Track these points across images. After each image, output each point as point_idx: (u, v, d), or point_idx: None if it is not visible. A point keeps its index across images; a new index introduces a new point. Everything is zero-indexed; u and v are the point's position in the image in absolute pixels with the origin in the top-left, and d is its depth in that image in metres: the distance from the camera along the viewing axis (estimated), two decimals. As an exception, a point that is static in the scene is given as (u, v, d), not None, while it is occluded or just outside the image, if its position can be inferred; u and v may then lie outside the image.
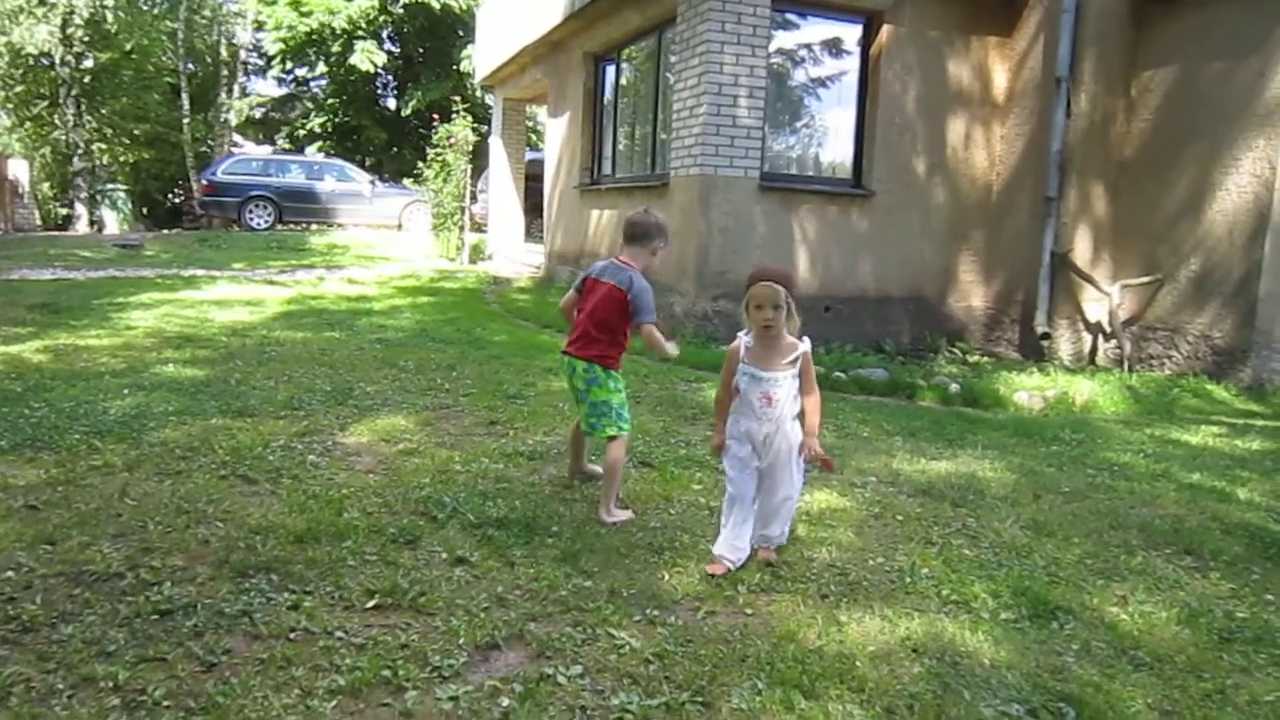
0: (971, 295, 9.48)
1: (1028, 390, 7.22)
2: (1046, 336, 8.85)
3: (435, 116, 17.54)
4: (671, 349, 3.91)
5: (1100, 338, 8.88)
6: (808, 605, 3.03)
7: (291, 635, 2.67)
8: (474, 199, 17.68)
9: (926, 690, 2.53)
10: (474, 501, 3.78)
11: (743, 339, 3.29)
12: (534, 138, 24.29)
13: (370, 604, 2.87)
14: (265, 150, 26.70)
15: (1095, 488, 4.65)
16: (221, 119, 29.69)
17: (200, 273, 12.78)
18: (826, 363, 7.61)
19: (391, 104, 31.68)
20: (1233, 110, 7.85)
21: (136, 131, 26.15)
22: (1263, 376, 7.80)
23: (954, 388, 7.17)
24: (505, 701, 2.37)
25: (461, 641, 2.66)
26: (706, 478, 4.35)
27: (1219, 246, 7.97)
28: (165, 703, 2.31)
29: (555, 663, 2.58)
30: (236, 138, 31.22)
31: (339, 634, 2.68)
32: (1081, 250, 8.81)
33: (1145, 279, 8.49)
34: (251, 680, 2.42)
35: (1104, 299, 8.71)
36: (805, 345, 3.25)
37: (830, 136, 9.40)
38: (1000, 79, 9.28)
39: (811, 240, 8.73)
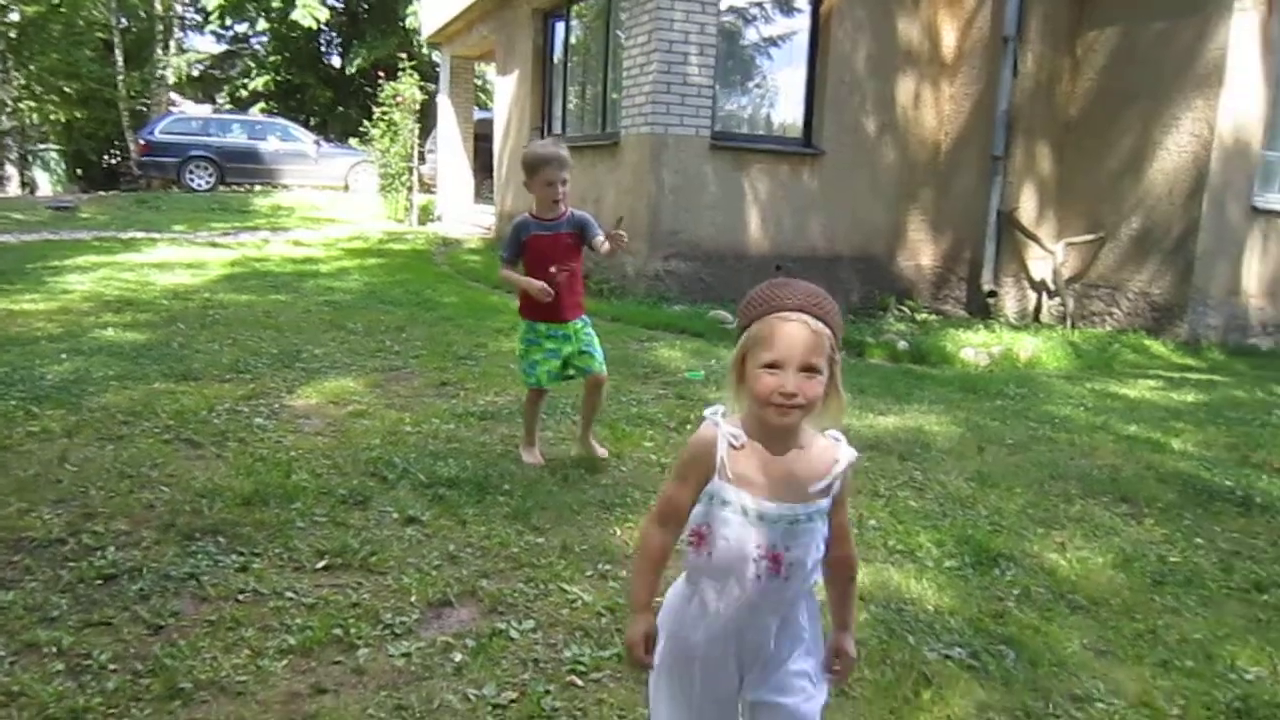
0: (920, 254, 9.59)
1: (974, 347, 7.36)
2: (993, 294, 9.00)
3: (381, 75, 17.13)
4: (523, 283, 3.70)
5: (1044, 295, 9.06)
6: (758, 557, 3.07)
7: (240, 597, 2.65)
8: (422, 159, 17.38)
9: (872, 636, 2.60)
10: (425, 462, 3.76)
11: (722, 428, 1.54)
12: (483, 96, 23.89)
13: (320, 564, 2.86)
14: (205, 109, 25.90)
15: (1037, 440, 4.77)
16: (157, 76, 28.69)
17: (139, 235, 12.42)
18: (777, 322, 7.66)
19: (336, 62, 30.87)
20: (1172, 71, 7.99)
21: (68, 89, 25.20)
22: (1198, 332, 8.04)
23: (902, 345, 7.28)
24: (458, 656, 2.39)
25: (413, 599, 2.67)
26: (658, 435, 4.38)
27: (1159, 205, 8.14)
28: (111, 666, 2.28)
29: (508, 618, 2.59)
30: (174, 96, 30.19)
31: (289, 594, 2.67)
32: (1027, 209, 8.95)
33: (1088, 237, 8.66)
34: (200, 642, 2.40)
35: (1048, 257, 8.87)
36: (849, 452, 1.56)
37: (781, 96, 9.38)
38: (949, 38, 9.32)
39: (762, 199, 8.74)
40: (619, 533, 3.21)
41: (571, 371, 3.84)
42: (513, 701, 2.21)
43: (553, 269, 3.70)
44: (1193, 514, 3.80)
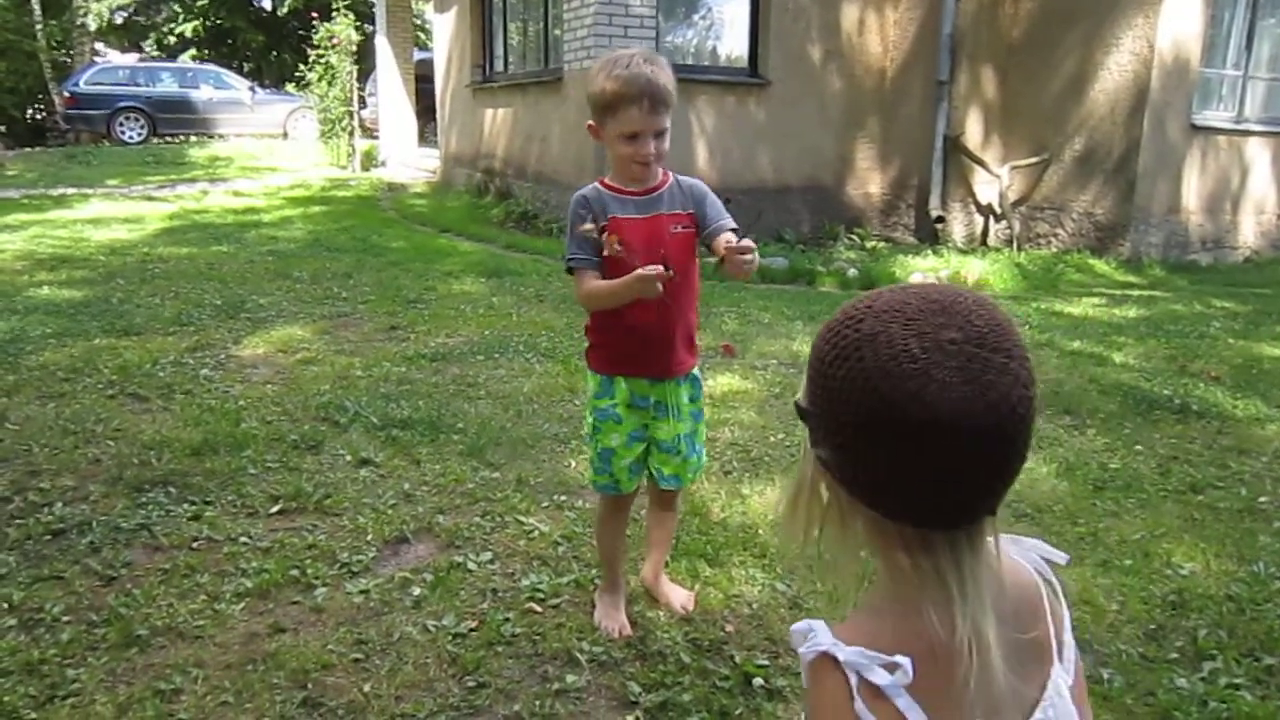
0: (869, 182, 9.60)
1: (922, 272, 7.43)
2: (941, 220, 9.07)
3: (314, 16, 16.57)
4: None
5: (991, 219, 9.15)
6: (711, 482, 3.11)
7: (194, 545, 2.64)
8: (363, 103, 16.92)
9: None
10: (377, 404, 3.74)
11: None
12: (422, 36, 23.25)
13: (274, 509, 2.85)
14: (132, 58, 24.88)
15: (984, 359, 4.85)
16: (78, 24, 27.43)
17: (71, 191, 11.99)
18: (729, 254, 7.67)
19: (267, 4, 29.78)
20: (1113, -12, 8.00)
21: (-19, 40, 24.01)
22: (1140, 250, 8.19)
23: (852, 273, 7.33)
24: (416, 590, 2.40)
25: (370, 538, 2.67)
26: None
27: (1101, 125, 8.22)
28: (65, 618, 2.27)
29: (465, 551, 2.61)
30: (98, 45, 28.96)
31: (243, 540, 2.66)
32: (972, 133, 8.98)
33: (1033, 160, 8.73)
34: (155, 590, 2.39)
35: (994, 181, 8.94)
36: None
37: (725, 25, 9.24)
38: (892, -39, 9.21)
39: (709, 131, 8.66)
40: (574, 464, 3.23)
41: (652, 469, 2.26)
42: (472, 630, 2.24)
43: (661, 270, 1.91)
44: (1133, 423, 3.91)
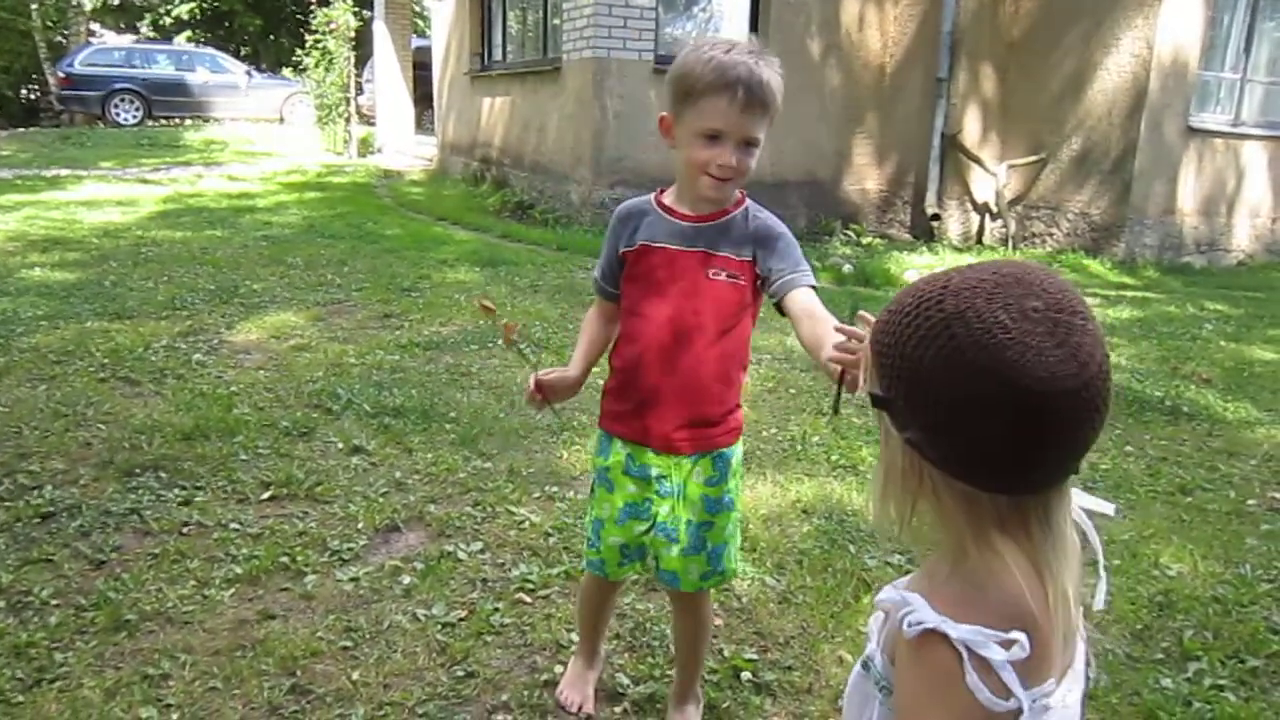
0: (865, 178, 9.60)
1: (917, 269, 7.44)
2: (936, 217, 9.08)
3: (313, 0, 16.49)
4: None
5: (987, 217, 9.16)
6: (704, 475, 3.12)
7: (184, 530, 2.63)
8: (360, 90, 16.86)
9: (815, 547, 2.67)
10: (369, 392, 3.73)
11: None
12: (420, 23, 23.15)
13: (265, 495, 2.85)
14: (127, 39, 24.72)
15: (977, 357, 4.87)
16: (74, 4, 27.24)
17: (65, 172, 11.92)
18: (724, 248, 7.67)
19: (265, -13, 29.59)
20: (1114, -12, 8.00)
21: (-23, 19, 23.84)
22: (1135, 251, 8.21)
23: (847, 268, 7.34)
24: (406, 579, 2.41)
25: (360, 526, 2.67)
26: (602, 360, 4.38)
27: (1099, 126, 8.23)
28: (54, 602, 2.26)
29: (456, 540, 2.61)
30: (94, 26, 28.78)
31: (234, 526, 2.65)
32: (970, 131, 8.98)
33: (1030, 159, 8.73)
34: (144, 575, 2.39)
35: (991, 179, 8.95)
36: None
37: (725, 18, 9.21)
38: (893, -43, 9.19)
39: (708, 125, 8.64)
40: (565, 455, 3.24)
41: (652, 562, 1.85)
42: (462, 619, 2.24)
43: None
44: (1124, 424, 3.93)
